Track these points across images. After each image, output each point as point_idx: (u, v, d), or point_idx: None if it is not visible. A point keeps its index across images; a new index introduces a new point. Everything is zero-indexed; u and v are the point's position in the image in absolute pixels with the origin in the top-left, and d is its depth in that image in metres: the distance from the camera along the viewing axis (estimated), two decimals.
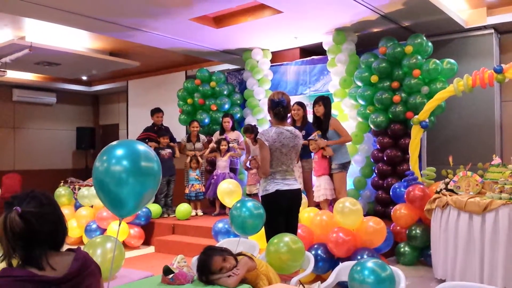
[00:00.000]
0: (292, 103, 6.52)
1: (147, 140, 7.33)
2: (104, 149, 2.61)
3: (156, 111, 7.80)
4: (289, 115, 6.48)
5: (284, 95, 3.88)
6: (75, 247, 1.77)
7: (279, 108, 3.82)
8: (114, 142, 2.61)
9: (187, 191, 7.38)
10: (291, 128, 3.89)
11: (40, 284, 1.53)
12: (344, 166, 5.72)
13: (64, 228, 1.72)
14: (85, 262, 1.67)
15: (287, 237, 3.35)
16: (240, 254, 3.01)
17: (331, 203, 5.87)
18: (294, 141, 3.82)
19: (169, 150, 7.40)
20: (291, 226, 3.81)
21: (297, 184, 3.91)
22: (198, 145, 7.66)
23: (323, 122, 5.80)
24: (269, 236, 3.61)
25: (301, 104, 6.17)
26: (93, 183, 2.63)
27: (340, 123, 5.89)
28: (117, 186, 2.51)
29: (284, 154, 3.78)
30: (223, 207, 6.95)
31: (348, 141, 5.88)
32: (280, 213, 3.75)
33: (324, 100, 5.85)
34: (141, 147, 2.61)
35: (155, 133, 7.63)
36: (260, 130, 7.25)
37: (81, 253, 1.70)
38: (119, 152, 2.54)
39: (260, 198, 3.90)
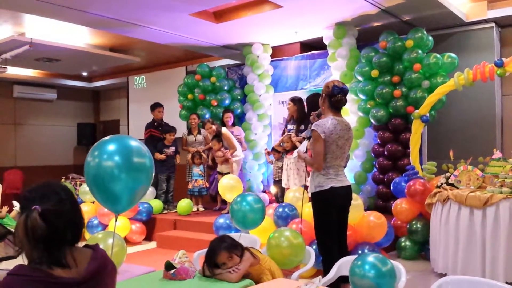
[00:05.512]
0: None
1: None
2: (96, 145, 2.56)
3: (158, 106, 7.74)
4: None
5: (345, 85, 3.65)
6: (94, 244, 1.67)
7: (340, 96, 3.53)
8: (106, 137, 2.57)
9: (190, 186, 7.36)
10: (344, 119, 3.67)
11: (58, 286, 1.45)
12: None
13: (82, 222, 1.62)
14: (104, 262, 1.59)
15: (287, 232, 3.37)
16: (246, 248, 3.02)
17: None
18: (348, 133, 3.62)
19: (173, 148, 7.39)
20: (343, 224, 3.64)
21: (348, 181, 3.70)
22: (200, 137, 7.64)
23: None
24: (320, 236, 3.47)
25: (293, 100, 6.48)
26: (86, 178, 2.57)
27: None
28: (110, 182, 2.47)
29: (340, 147, 3.54)
30: (224, 202, 6.96)
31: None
32: (333, 211, 3.54)
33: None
34: (133, 142, 2.57)
35: (156, 128, 7.56)
36: (238, 130, 7.50)
37: (100, 251, 1.61)
38: (111, 147, 2.49)
39: (310, 194, 3.69)
